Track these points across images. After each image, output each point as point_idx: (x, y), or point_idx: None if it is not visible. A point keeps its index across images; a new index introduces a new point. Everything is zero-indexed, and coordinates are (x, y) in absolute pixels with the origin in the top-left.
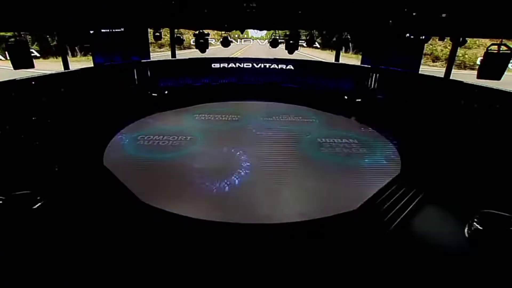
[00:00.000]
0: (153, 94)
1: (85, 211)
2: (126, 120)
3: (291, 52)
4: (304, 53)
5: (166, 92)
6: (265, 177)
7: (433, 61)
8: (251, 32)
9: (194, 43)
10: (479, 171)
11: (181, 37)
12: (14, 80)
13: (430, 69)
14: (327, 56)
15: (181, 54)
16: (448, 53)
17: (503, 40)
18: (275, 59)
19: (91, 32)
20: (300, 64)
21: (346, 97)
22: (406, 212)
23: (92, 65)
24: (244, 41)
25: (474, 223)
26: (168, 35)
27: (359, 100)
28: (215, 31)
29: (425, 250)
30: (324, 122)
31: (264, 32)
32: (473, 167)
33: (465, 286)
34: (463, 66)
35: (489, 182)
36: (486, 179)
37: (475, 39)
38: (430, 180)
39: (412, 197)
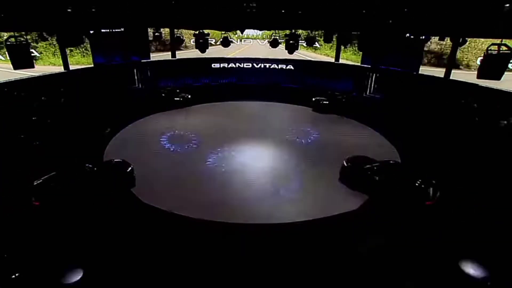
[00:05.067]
0: (175, 99)
1: (85, 210)
2: (127, 120)
3: (291, 52)
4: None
5: (180, 96)
6: (265, 176)
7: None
8: (247, 32)
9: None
10: (478, 171)
11: (181, 37)
12: (14, 80)
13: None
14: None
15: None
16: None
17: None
18: (275, 59)
19: (91, 32)
20: (300, 64)
21: (325, 102)
22: (405, 211)
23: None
24: (244, 41)
25: (344, 162)
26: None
27: (326, 102)
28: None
29: (424, 249)
30: (325, 122)
31: (261, 32)
32: (472, 166)
33: None
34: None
35: (489, 181)
36: (485, 179)
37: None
38: (429, 179)
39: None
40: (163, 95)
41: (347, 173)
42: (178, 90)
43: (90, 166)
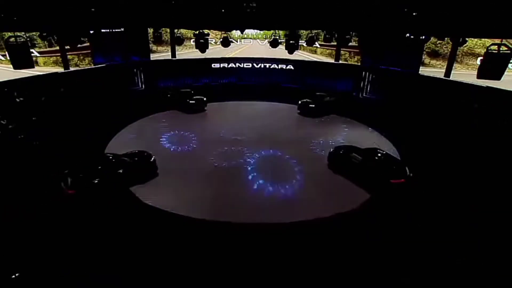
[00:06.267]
0: (190, 102)
1: (86, 210)
2: (127, 119)
3: (291, 52)
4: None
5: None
6: (266, 176)
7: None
8: (247, 31)
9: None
10: (478, 171)
11: (181, 37)
12: (14, 80)
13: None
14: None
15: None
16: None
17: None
18: (275, 59)
19: (91, 32)
20: (300, 64)
21: (312, 106)
22: (405, 210)
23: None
24: (244, 40)
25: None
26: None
27: (313, 105)
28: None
29: (424, 249)
30: (325, 122)
31: (261, 32)
32: (472, 166)
33: None
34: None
35: (488, 180)
36: (484, 178)
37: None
38: (429, 179)
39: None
40: (168, 95)
41: (332, 157)
42: (192, 91)
43: (111, 156)
